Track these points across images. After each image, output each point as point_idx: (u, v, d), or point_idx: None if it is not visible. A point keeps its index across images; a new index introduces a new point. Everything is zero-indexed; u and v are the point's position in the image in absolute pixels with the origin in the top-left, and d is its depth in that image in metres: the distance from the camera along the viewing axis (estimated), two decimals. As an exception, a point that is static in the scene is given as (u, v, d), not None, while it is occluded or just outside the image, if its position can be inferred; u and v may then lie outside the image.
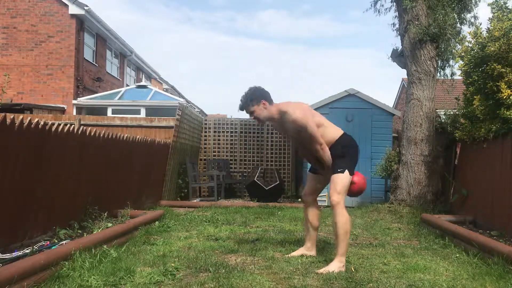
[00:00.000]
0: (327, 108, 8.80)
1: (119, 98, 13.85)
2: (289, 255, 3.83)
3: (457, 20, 7.13)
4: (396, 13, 7.79)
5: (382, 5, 7.85)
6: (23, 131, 3.56)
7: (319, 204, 4.05)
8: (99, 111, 13.34)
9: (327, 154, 3.59)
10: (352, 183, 3.62)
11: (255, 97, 3.63)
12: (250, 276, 3.16)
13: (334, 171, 3.57)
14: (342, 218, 3.47)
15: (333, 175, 3.56)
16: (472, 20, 7.20)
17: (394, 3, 7.67)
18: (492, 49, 5.11)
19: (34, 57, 13.47)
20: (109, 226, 4.46)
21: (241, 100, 3.68)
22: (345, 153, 3.61)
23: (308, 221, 3.91)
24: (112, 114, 13.13)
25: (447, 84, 7.65)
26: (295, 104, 3.66)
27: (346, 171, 3.54)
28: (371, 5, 7.92)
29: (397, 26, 7.84)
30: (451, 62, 7.21)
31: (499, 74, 5.04)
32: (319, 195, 4.03)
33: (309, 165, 4.12)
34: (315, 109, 8.50)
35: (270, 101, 3.66)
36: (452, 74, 7.39)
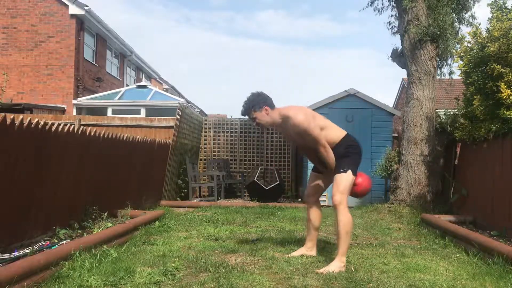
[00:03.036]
0: (327, 108, 8.80)
1: (119, 98, 13.85)
2: (289, 255, 3.83)
3: (456, 19, 7.13)
4: (393, 12, 7.83)
5: (382, 4, 7.86)
6: (23, 131, 3.56)
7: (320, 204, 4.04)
8: (99, 111, 13.35)
9: (330, 156, 3.60)
10: (355, 184, 3.63)
11: (256, 103, 3.65)
12: (250, 276, 3.16)
13: (337, 171, 3.58)
14: (345, 218, 3.48)
15: (336, 175, 3.57)
16: (470, 19, 7.21)
17: (392, 2, 7.68)
18: (491, 49, 5.11)
19: (34, 57, 13.47)
20: (109, 226, 4.46)
21: (243, 106, 3.71)
22: (349, 153, 3.62)
23: (310, 222, 3.91)
24: (112, 114, 13.13)
25: (446, 83, 7.63)
26: (297, 108, 3.67)
27: (349, 171, 3.54)
28: (368, 4, 7.92)
29: (393, 24, 7.89)
30: (449, 61, 7.21)
31: (499, 74, 5.04)
32: (322, 194, 4.04)
33: (311, 164, 4.12)
34: (315, 109, 8.56)
35: (272, 106, 3.67)
36: (451, 73, 7.39)
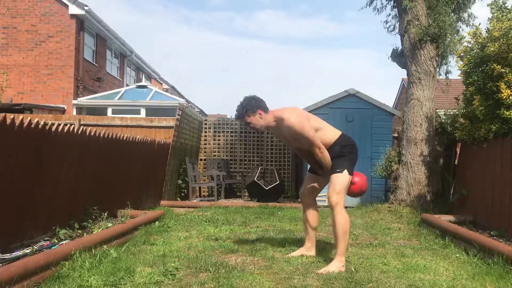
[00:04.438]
0: (327, 108, 8.80)
1: (119, 98, 13.85)
2: (289, 255, 3.83)
3: (455, 19, 7.14)
4: (391, 12, 7.85)
5: (382, 3, 7.87)
6: (23, 131, 3.56)
7: (319, 204, 4.05)
8: (99, 111, 13.35)
9: (326, 156, 3.60)
10: (352, 183, 3.63)
11: (250, 107, 3.64)
12: (250, 276, 3.16)
13: (333, 171, 3.59)
14: (341, 218, 3.48)
15: (332, 175, 3.58)
16: (470, 19, 7.22)
17: (391, 2, 7.69)
18: (491, 49, 5.10)
19: (34, 57, 13.47)
20: (109, 226, 4.46)
21: (236, 111, 3.72)
22: (344, 153, 3.62)
23: (307, 222, 3.92)
24: (112, 114, 13.13)
25: (442, 83, 7.64)
26: (290, 109, 3.67)
27: (345, 171, 3.55)
28: (367, 3, 7.93)
29: (390, 23, 7.93)
30: (446, 61, 7.21)
31: (499, 74, 5.04)
32: (319, 195, 4.04)
33: (309, 165, 4.12)
34: (315, 109, 8.58)
35: (265, 109, 3.67)
36: (447, 72, 7.39)
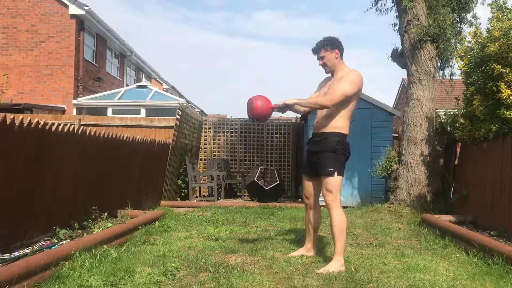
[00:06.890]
0: (327, 108, 8.79)
1: (119, 98, 13.85)
2: (289, 255, 3.83)
3: (457, 19, 7.13)
4: (396, 13, 7.81)
5: (384, 5, 7.85)
6: (23, 131, 3.56)
7: (320, 204, 4.04)
8: (99, 111, 13.35)
9: (316, 105, 3.61)
10: (253, 108, 3.60)
11: (332, 43, 3.67)
12: (250, 276, 3.16)
13: (324, 169, 3.56)
14: (337, 217, 3.48)
15: (324, 178, 3.57)
16: (472, 20, 7.22)
17: (395, 3, 7.68)
18: (492, 49, 5.10)
19: (34, 57, 13.47)
20: (109, 226, 4.46)
21: (317, 43, 3.73)
22: (338, 149, 3.58)
23: (309, 222, 3.91)
24: (112, 114, 13.13)
25: (446, 84, 7.65)
26: (359, 76, 3.65)
27: (335, 173, 3.54)
28: (372, 4, 7.92)
29: (398, 26, 7.86)
30: (451, 62, 7.22)
31: (499, 74, 5.03)
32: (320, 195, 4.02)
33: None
34: (315, 109, 8.55)
35: (341, 55, 3.72)
36: (452, 74, 7.40)
